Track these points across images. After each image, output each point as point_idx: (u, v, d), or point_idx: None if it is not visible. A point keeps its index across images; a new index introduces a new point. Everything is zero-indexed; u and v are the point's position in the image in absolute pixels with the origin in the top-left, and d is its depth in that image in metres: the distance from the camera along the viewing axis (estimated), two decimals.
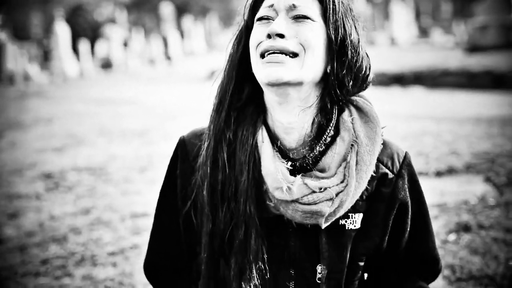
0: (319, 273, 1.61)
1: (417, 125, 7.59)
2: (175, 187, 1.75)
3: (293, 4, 1.52)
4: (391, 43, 29.83)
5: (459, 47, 20.32)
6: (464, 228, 3.88)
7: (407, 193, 1.69)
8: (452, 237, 3.78)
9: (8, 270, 4.09)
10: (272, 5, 1.54)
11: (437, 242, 3.67)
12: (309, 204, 1.53)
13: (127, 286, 3.66)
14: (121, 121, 10.63)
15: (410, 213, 1.71)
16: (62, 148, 8.36)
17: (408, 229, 1.73)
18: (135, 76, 23.76)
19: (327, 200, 1.53)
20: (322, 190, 1.54)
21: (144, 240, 4.38)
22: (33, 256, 4.31)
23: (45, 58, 29.49)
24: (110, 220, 4.96)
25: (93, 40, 30.75)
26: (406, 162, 1.70)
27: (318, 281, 1.62)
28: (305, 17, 1.53)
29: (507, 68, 12.51)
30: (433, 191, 4.75)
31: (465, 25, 23.77)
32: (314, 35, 1.53)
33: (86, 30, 35.88)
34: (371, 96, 1.70)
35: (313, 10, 1.54)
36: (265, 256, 1.59)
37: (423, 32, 37.24)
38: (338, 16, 1.56)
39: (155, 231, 1.85)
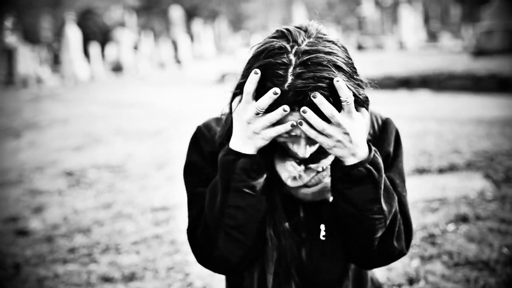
0: (324, 231, 1.85)
1: (420, 126, 7.81)
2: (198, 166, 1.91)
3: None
4: (400, 47, 29.96)
5: (467, 51, 20.48)
6: (462, 219, 4.13)
7: (391, 142, 1.86)
8: (451, 227, 4.03)
9: (37, 258, 4.36)
10: (295, 136, 1.63)
11: (437, 232, 3.96)
12: (316, 184, 1.76)
13: (151, 270, 3.92)
14: (135, 122, 10.89)
15: (390, 160, 1.85)
16: (81, 147, 8.65)
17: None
18: (145, 79, 24.04)
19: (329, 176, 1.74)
20: (325, 168, 1.76)
21: (164, 230, 4.68)
22: (60, 246, 4.58)
23: (55, 61, 29.86)
24: (131, 213, 5.23)
25: (103, 43, 31.14)
26: (387, 122, 1.90)
27: (322, 238, 1.85)
28: None
29: (511, 71, 12.74)
30: (435, 186, 5.02)
31: (473, 29, 23.96)
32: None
33: (96, 33, 36.29)
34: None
35: None
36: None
37: (432, 36, 37.27)
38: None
39: (189, 203, 1.89)
